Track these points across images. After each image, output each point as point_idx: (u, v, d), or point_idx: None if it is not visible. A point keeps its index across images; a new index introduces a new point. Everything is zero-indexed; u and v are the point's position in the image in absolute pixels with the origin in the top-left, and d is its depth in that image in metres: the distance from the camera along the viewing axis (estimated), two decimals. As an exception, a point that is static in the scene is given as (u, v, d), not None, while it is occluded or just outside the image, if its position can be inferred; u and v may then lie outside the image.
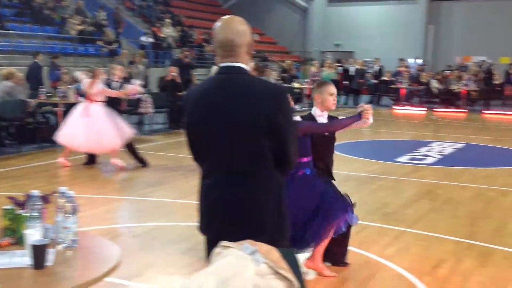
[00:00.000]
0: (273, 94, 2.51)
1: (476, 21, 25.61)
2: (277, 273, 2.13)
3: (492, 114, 18.15)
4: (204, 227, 2.68)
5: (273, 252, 2.18)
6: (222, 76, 2.58)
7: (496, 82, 20.51)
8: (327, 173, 4.34)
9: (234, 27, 2.53)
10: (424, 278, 4.32)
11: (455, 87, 19.80)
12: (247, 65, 2.58)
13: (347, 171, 8.48)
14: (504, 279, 4.38)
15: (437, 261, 4.69)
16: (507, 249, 5.06)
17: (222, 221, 2.57)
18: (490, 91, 20.02)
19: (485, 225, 5.83)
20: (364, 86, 20.86)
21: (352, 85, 20.57)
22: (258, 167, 2.54)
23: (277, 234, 2.60)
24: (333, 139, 4.36)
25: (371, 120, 4.16)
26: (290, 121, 2.57)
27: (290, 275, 2.15)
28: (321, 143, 4.25)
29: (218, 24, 2.57)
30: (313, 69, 20.19)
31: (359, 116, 4.12)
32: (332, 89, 4.25)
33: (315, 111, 4.30)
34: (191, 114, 2.62)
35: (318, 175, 4.23)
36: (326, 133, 4.28)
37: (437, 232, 5.52)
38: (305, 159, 4.14)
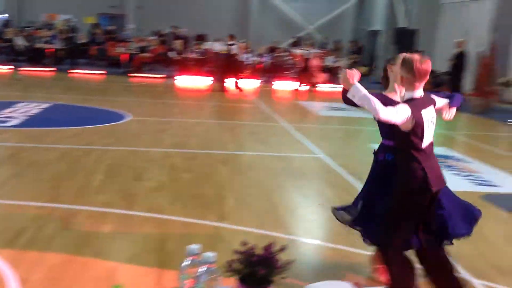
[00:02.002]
0: None
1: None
2: None
3: (79, 73, 18.47)
4: None
5: None
6: None
7: (82, 41, 20.91)
8: None
9: None
10: (3, 252, 3.99)
11: (41, 45, 19.50)
12: None
13: None
14: (87, 236, 4.41)
15: (17, 231, 4.40)
16: (90, 207, 5.15)
17: None
18: (76, 50, 20.30)
19: (69, 186, 5.79)
20: None
21: None
22: None
23: None
24: None
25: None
26: None
27: None
28: None
29: None
30: None
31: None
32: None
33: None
34: None
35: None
36: None
37: (19, 199, 5.22)
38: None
